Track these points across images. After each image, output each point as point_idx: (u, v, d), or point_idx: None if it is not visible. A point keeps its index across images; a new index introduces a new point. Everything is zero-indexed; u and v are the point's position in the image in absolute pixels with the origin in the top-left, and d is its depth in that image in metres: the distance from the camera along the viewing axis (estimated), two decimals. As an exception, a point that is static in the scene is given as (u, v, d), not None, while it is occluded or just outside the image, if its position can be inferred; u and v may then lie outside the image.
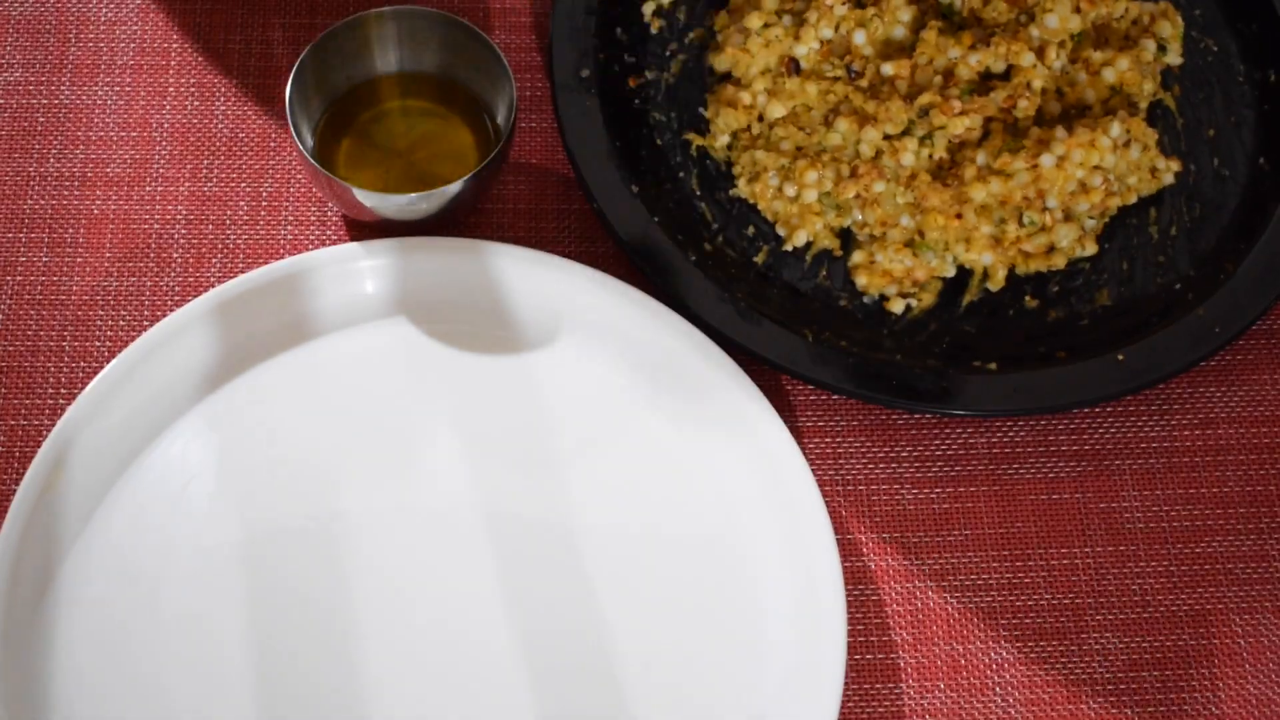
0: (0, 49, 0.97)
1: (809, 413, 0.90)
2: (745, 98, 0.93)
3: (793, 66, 0.94)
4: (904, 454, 0.89)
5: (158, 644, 0.81)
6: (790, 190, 0.92)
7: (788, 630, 0.82)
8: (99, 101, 0.96)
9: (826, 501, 0.86)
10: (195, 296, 0.89)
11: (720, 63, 0.96)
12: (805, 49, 0.94)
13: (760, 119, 0.94)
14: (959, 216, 0.90)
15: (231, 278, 0.89)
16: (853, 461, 0.88)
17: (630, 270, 0.91)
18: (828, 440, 0.89)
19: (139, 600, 0.82)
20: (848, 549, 0.86)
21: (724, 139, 0.94)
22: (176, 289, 0.91)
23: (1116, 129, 0.91)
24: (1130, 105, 0.94)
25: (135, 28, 0.98)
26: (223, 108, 0.96)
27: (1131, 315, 0.91)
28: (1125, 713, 0.83)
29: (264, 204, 0.93)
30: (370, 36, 0.90)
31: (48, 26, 0.98)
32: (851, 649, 0.84)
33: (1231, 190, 0.95)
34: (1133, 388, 0.87)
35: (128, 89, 0.96)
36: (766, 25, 0.94)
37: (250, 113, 0.96)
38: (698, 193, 0.93)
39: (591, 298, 0.88)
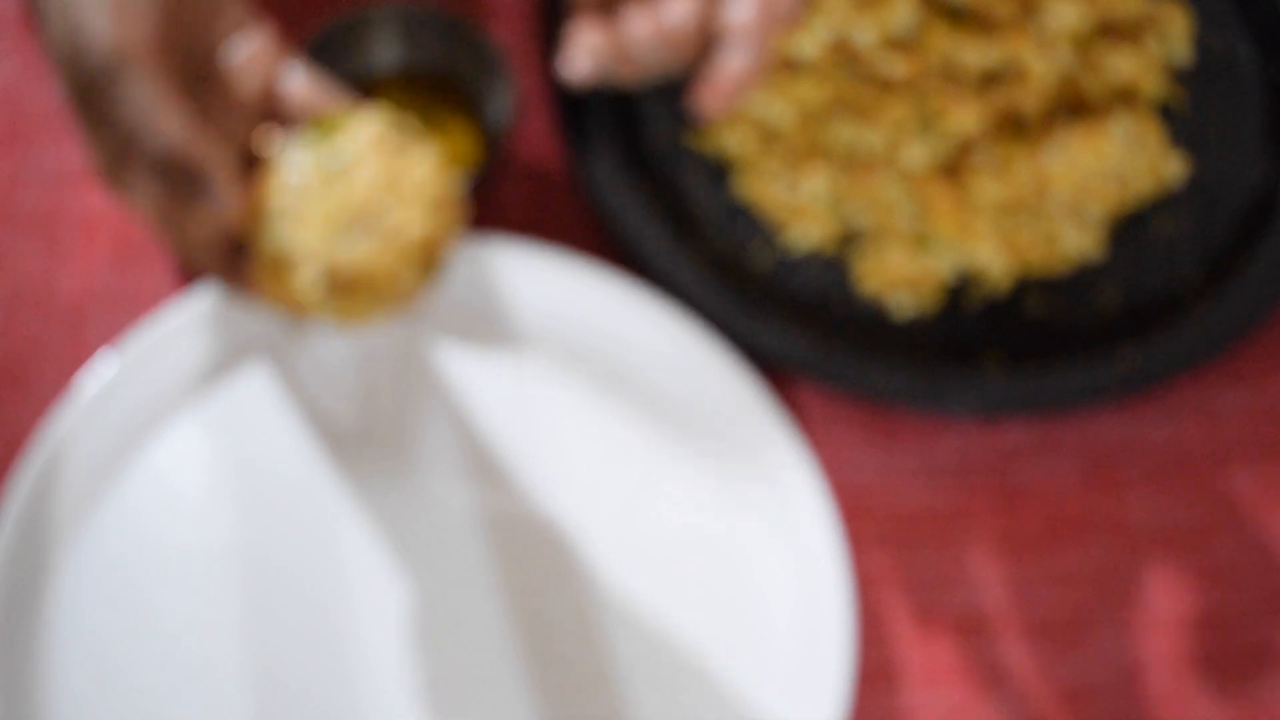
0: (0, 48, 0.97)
1: (809, 413, 0.89)
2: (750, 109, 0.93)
3: (794, 66, 0.94)
4: (904, 454, 0.88)
5: (153, 645, 0.81)
6: (791, 190, 0.91)
7: (789, 631, 0.81)
8: (100, 103, 0.96)
9: (826, 501, 0.86)
10: (194, 296, 0.89)
11: None
12: (806, 49, 0.93)
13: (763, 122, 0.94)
14: (961, 216, 0.90)
15: (230, 278, 0.89)
16: (853, 461, 0.88)
17: (630, 270, 0.91)
18: (828, 440, 0.88)
19: (134, 601, 0.82)
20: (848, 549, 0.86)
21: (723, 144, 0.94)
22: (174, 289, 0.91)
23: (1121, 128, 0.90)
24: (1136, 103, 0.94)
25: (136, 29, 0.98)
26: (223, 109, 0.96)
27: (1133, 315, 0.90)
28: (1126, 713, 0.83)
29: (263, 204, 0.93)
30: (370, 35, 0.90)
31: (49, 28, 0.98)
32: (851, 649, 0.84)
33: (1236, 190, 0.94)
34: (1134, 387, 0.87)
35: (128, 90, 0.96)
36: (763, 31, 0.94)
37: (250, 113, 0.96)
38: (698, 193, 0.93)
39: (591, 298, 0.88)
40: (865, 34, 0.93)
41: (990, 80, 0.93)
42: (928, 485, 0.88)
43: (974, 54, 0.92)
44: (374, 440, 0.86)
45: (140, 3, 0.71)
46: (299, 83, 0.76)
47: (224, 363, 0.87)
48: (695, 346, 0.86)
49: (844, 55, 0.94)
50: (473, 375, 0.88)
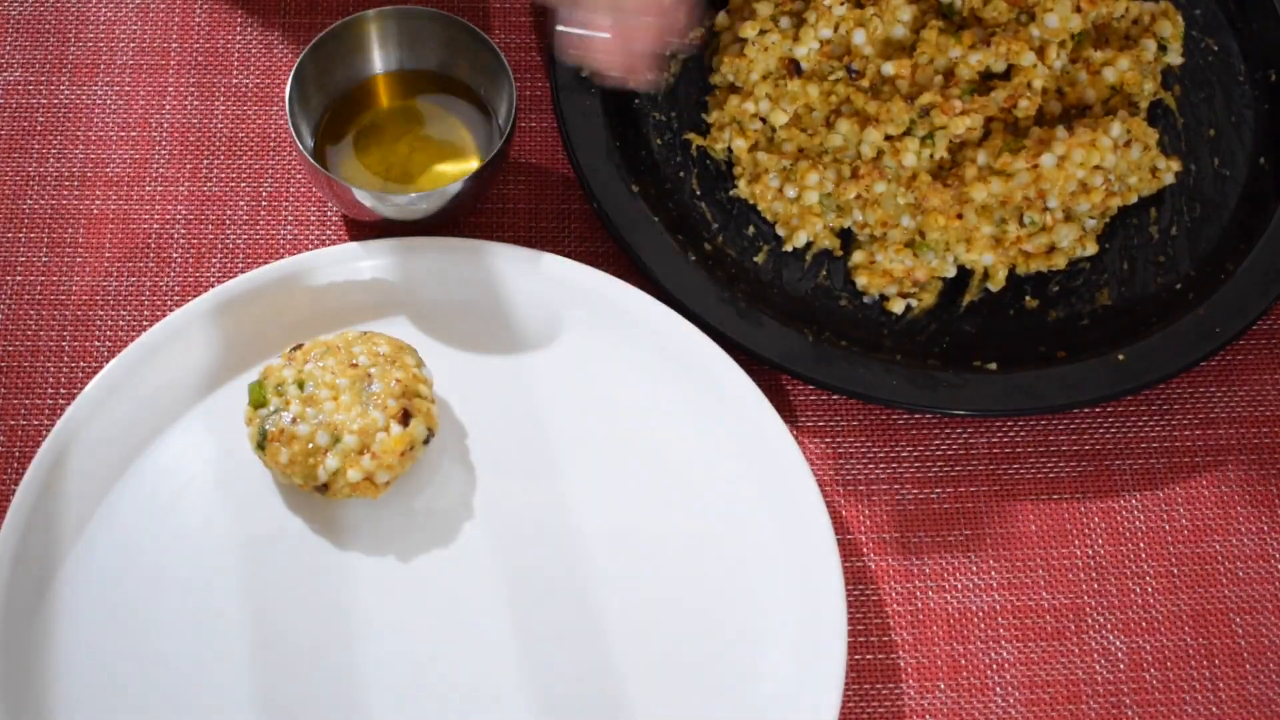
0: (0, 49, 0.97)
1: (809, 413, 0.89)
2: (750, 107, 0.93)
3: (794, 68, 0.94)
4: (904, 454, 0.89)
5: (157, 643, 0.81)
6: (791, 191, 0.91)
7: (788, 630, 0.82)
8: (99, 101, 0.96)
9: (826, 501, 0.86)
10: (195, 296, 0.89)
11: (719, 75, 0.96)
12: (805, 50, 0.94)
13: (763, 121, 0.94)
14: (959, 217, 0.90)
15: (231, 278, 0.89)
16: (853, 461, 0.88)
17: (630, 270, 0.91)
18: (828, 440, 0.89)
19: (138, 600, 0.82)
20: (848, 549, 0.86)
21: (723, 144, 0.94)
22: (176, 289, 0.91)
23: (1117, 129, 0.91)
24: (1131, 105, 0.94)
25: (135, 28, 0.98)
26: (223, 108, 0.96)
27: (1131, 315, 0.91)
28: (1125, 713, 0.83)
29: (264, 204, 0.93)
30: (370, 36, 0.90)
31: (47, 26, 0.98)
32: (851, 649, 0.84)
33: (1231, 190, 0.95)
34: (1133, 388, 0.87)
35: (128, 89, 0.96)
36: (763, 32, 0.94)
37: (250, 113, 0.96)
38: (698, 193, 0.93)
39: (591, 298, 0.88)
40: (863, 37, 0.94)
41: (986, 82, 0.93)
42: (925, 485, 0.88)
43: (971, 57, 0.92)
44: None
45: None
46: None
47: (229, 362, 0.87)
48: (694, 347, 0.87)
49: (841, 59, 0.94)
50: (473, 374, 0.88)
